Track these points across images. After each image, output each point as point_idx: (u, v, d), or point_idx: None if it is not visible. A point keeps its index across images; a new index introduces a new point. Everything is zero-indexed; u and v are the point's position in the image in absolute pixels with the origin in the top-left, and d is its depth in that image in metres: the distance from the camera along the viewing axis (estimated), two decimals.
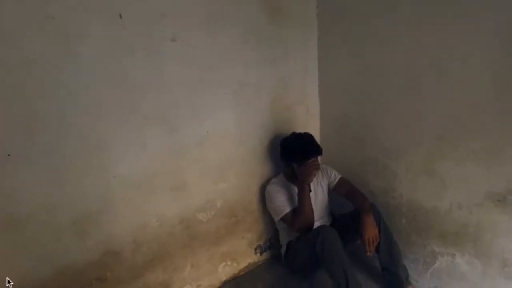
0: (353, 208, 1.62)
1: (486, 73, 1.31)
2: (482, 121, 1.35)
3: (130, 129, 1.33)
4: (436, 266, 1.60)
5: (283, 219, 1.62)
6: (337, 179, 1.72)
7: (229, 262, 1.74)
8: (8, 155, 1.09)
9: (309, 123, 1.98)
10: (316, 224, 1.61)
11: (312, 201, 1.59)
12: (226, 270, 1.74)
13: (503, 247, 1.37)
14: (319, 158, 1.62)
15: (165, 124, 1.42)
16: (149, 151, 1.39)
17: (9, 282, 1.13)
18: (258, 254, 1.87)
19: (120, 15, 1.24)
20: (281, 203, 1.63)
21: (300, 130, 1.72)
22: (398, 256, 1.56)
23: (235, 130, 1.66)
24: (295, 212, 1.60)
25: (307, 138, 1.63)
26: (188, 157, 1.51)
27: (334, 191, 1.74)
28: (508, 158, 1.30)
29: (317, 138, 1.88)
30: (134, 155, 1.35)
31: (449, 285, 1.57)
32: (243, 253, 1.80)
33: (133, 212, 1.38)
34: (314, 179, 1.63)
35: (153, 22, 1.33)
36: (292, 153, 1.60)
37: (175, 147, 1.46)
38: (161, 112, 1.40)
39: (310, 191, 1.59)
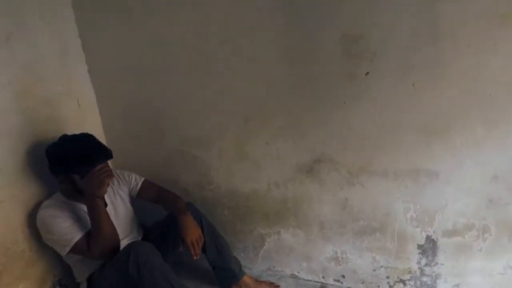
0: (167, 212, 1.59)
1: (276, 48, 1.42)
2: (281, 97, 1.50)
3: None
4: (266, 247, 1.79)
5: (74, 250, 1.40)
6: (140, 183, 1.62)
7: None
8: None
9: (85, 120, 1.76)
10: (124, 243, 1.48)
11: (112, 217, 1.44)
12: None
13: (318, 212, 1.64)
14: (109, 162, 1.46)
15: None
16: None
17: None
18: None
19: None
20: (66, 231, 1.39)
21: (74, 130, 1.47)
22: (227, 250, 1.64)
23: None
24: (89, 236, 1.41)
25: (86, 139, 1.42)
26: None
27: (139, 198, 1.64)
28: (308, 130, 1.51)
29: (101, 137, 1.74)
30: None
31: (280, 262, 1.80)
32: None
33: None
34: (109, 190, 1.46)
35: None
36: (69, 163, 1.36)
37: None
38: None
39: (106, 205, 1.43)
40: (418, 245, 1.55)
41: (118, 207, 1.56)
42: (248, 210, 1.74)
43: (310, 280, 1.78)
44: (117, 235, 1.44)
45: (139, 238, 1.62)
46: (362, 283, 1.70)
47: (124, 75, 1.74)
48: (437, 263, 1.55)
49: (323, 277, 1.76)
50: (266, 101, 1.52)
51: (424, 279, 1.60)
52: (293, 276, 1.80)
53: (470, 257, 1.50)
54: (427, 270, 1.58)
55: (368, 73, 1.33)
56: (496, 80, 1.21)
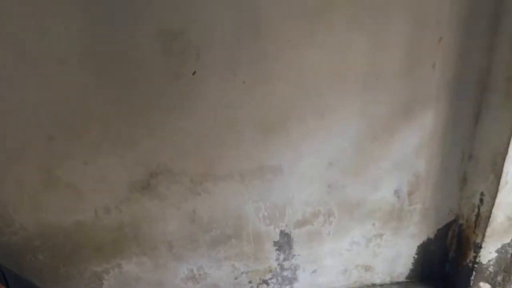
0: None
1: (77, 47, 1.27)
2: (93, 105, 1.36)
3: None
4: (105, 287, 1.65)
5: None
6: None
7: None
8: None
9: None
10: None
11: None
12: None
13: (163, 231, 1.60)
14: None
15: None
16: None
17: None
18: None
19: None
20: None
21: None
22: None
23: None
24: None
25: None
26: None
27: None
28: (136, 141, 1.42)
29: None
30: None
31: None
32: None
33: None
34: None
35: None
36: None
37: None
38: None
39: None
40: (274, 242, 1.69)
41: None
42: (74, 248, 1.55)
43: None
44: None
45: None
46: None
47: None
48: (294, 255, 1.73)
49: None
50: (74, 112, 1.35)
51: (285, 273, 1.76)
52: None
53: (321, 242, 1.73)
54: (286, 264, 1.75)
55: (195, 72, 1.32)
56: (317, 72, 1.37)
